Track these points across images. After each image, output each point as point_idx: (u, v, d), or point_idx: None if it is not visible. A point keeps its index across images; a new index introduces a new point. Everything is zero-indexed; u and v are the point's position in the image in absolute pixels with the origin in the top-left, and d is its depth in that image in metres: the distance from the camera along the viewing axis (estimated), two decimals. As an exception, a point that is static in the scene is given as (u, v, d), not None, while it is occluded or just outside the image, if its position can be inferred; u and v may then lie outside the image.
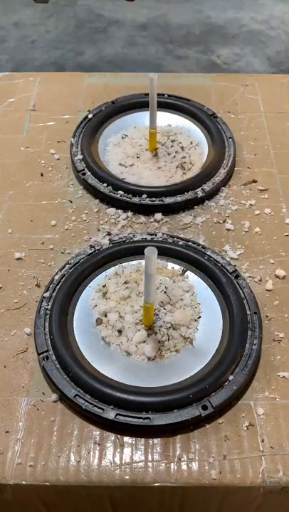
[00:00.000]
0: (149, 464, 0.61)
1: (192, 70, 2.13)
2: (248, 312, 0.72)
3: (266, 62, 2.18)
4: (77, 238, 0.84)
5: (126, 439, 0.63)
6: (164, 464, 0.61)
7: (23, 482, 0.60)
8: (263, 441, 0.63)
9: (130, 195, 0.87)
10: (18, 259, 0.81)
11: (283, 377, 0.68)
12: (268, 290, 0.77)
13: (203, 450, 0.62)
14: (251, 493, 0.60)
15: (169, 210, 0.87)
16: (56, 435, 0.63)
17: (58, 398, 0.66)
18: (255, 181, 0.92)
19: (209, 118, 1.00)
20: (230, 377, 0.66)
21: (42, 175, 0.93)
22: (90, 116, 1.01)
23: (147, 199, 0.87)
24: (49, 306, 0.73)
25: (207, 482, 0.60)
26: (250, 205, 0.88)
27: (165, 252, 0.79)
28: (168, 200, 0.87)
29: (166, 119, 1.01)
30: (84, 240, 0.83)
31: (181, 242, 0.81)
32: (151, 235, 0.82)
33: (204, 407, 0.63)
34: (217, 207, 0.88)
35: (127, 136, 0.98)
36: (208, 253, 0.79)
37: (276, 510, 0.64)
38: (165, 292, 0.74)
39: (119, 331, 0.71)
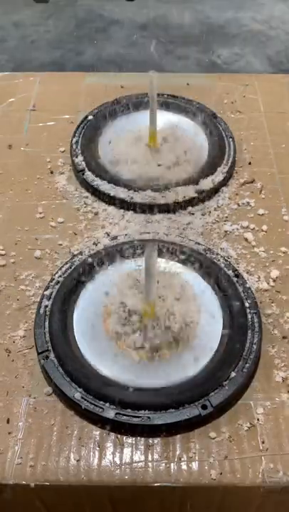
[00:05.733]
0: (149, 463, 0.61)
1: (192, 70, 2.13)
2: (248, 312, 0.72)
3: (266, 62, 2.18)
4: (78, 237, 0.84)
5: (126, 438, 0.63)
6: (164, 464, 0.61)
7: (23, 482, 0.60)
8: (263, 441, 0.62)
9: (130, 195, 0.87)
10: (19, 258, 0.81)
11: (283, 377, 0.68)
12: (267, 290, 0.77)
13: (203, 450, 0.62)
14: (251, 493, 0.60)
15: (169, 210, 0.87)
16: (56, 435, 0.63)
17: (57, 398, 0.66)
18: (253, 181, 0.92)
19: (209, 118, 1.00)
20: (230, 377, 0.66)
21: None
22: (90, 116, 1.01)
23: (147, 199, 0.87)
24: (49, 306, 0.73)
25: (207, 482, 0.60)
26: (250, 204, 0.88)
27: (165, 252, 0.79)
28: (168, 199, 0.86)
29: (166, 119, 1.00)
30: (84, 239, 0.83)
31: (181, 242, 0.81)
32: (151, 234, 0.82)
33: (204, 407, 0.63)
34: (217, 207, 0.88)
35: (127, 136, 0.98)
36: (208, 253, 0.79)
37: (276, 510, 0.64)
38: (165, 291, 0.74)
39: (120, 330, 0.71)
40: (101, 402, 0.63)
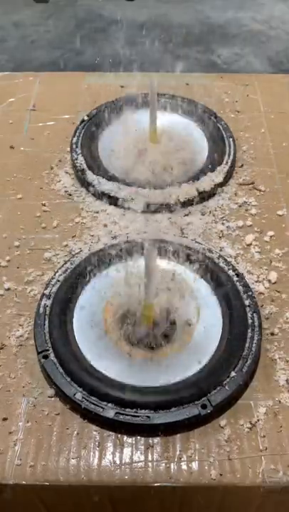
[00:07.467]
0: (149, 463, 0.61)
1: (192, 70, 2.13)
2: (248, 312, 0.72)
3: (266, 62, 2.18)
4: (78, 237, 0.84)
5: (126, 438, 0.63)
6: (164, 464, 0.61)
7: (23, 482, 0.60)
8: (263, 441, 0.62)
9: (130, 195, 0.87)
10: (20, 258, 0.81)
11: (283, 377, 0.68)
12: (267, 289, 0.77)
13: (203, 450, 0.62)
14: (251, 493, 0.60)
15: (169, 210, 0.87)
16: (56, 435, 0.63)
17: (57, 397, 0.66)
18: (252, 183, 0.92)
19: (209, 118, 1.00)
20: (230, 377, 0.66)
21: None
22: (90, 116, 1.01)
23: (148, 198, 0.87)
24: (49, 305, 0.73)
25: (207, 482, 0.60)
26: (250, 204, 0.88)
27: (165, 251, 0.79)
28: (168, 199, 0.86)
29: (166, 119, 1.00)
30: (84, 239, 0.83)
31: (181, 242, 0.81)
32: (151, 233, 0.82)
33: (204, 406, 0.63)
34: (216, 206, 0.88)
35: (127, 135, 0.98)
36: (208, 252, 0.79)
37: (276, 510, 0.64)
38: (165, 291, 0.74)
39: (119, 330, 0.71)
40: (100, 401, 0.63)
